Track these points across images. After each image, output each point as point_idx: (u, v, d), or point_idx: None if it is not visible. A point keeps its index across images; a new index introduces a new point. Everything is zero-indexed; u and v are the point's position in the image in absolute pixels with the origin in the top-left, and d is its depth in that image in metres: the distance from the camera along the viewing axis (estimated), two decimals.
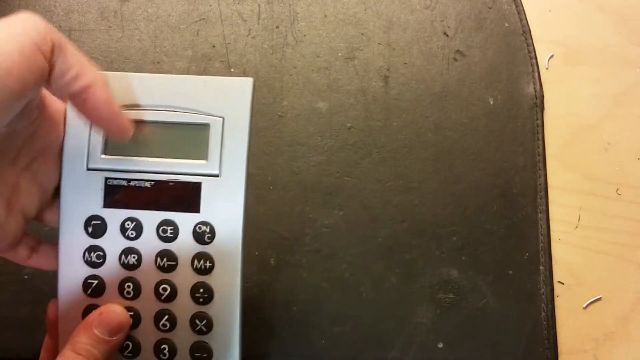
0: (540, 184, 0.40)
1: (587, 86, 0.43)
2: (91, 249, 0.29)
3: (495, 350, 0.37)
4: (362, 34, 0.43)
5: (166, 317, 0.29)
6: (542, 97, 0.42)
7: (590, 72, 0.44)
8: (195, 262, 0.29)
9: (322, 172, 0.39)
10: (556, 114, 0.42)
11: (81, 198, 0.29)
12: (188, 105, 0.29)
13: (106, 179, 0.29)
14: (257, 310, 0.36)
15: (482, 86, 0.42)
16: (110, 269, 0.29)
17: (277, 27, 0.42)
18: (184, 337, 0.29)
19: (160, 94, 0.29)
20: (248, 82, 0.29)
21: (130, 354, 0.29)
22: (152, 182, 0.29)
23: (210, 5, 0.43)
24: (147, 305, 0.29)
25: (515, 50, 0.43)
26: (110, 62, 0.40)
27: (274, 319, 0.36)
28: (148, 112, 0.29)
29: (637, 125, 0.43)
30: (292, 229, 0.38)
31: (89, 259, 0.29)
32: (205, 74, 0.41)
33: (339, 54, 0.42)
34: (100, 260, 0.29)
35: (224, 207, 0.29)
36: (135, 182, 0.29)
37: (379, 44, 0.43)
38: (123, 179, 0.29)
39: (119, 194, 0.29)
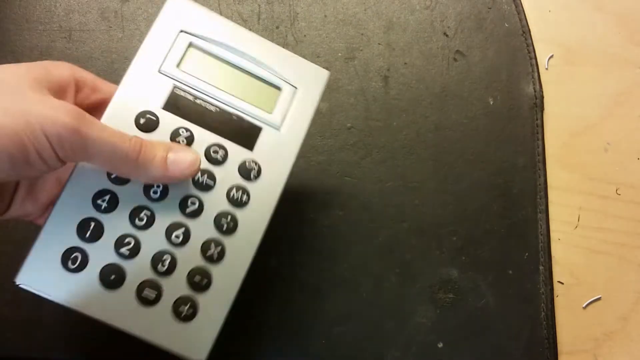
0: (540, 184, 0.40)
1: (587, 86, 0.43)
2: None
3: (495, 350, 0.37)
4: (362, 34, 0.43)
5: (182, 229, 0.28)
6: (542, 97, 0.42)
7: (590, 72, 0.44)
8: (233, 192, 0.29)
9: (322, 172, 0.39)
10: (556, 114, 0.42)
11: (142, 93, 0.29)
12: (270, 65, 0.31)
13: (175, 86, 0.30)
14: (257, 310, 0.36)
15: (482, 86, 0.42)
16: None
17: (277, 27, 0.42)
18: (189, 257, 0.28)
19: (248, 45, 0.31)
20: (325, 72, 0.32)
21: (127, 252, 0.28)
22: (218, 108, 0.30)
23: (210, 6, 0.43)
24: (167, 211, 0.28)
25: (515, 50, 0.43)
26: (111, 62, 0.40)
27: (274, 319, 0.36)
28: (233, 54, 0.31)
29: (637, 125, 0.43)
30: (292, 229, 0.38)
31: None
32: None
33: (339, 54, 0.42)
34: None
35: (276, 158, 0.30)
36: (202, 102, 0.30)
37: (379, 44, 0.43)
38: (190, 94, 0.30)
39: (182, 103, 0.30)
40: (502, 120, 0.41)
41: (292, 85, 0.31)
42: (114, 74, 0.40)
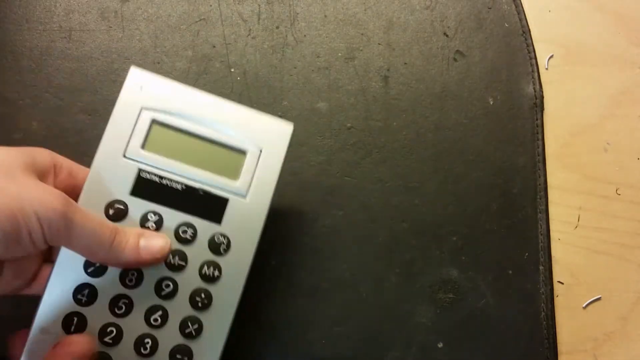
0: (540, 184, 0.40)
1: (587, 86, 0.43)
2: None
3: (495, 350, 0.37)
4: (362, 34, 0.43)
5: (159, 312, 0.29)
6: (542, 97, 0.42)
7: (590, 72, 0.44)
8: (205, 268, 0.30)
9: (322, 172, 0.39)
10: (556, 114, 0.42)
11: (109, 182, 0.30)
12: (232, 129, 0.31)
13: (140, 170, 0.30)
14: (257, 310, 0.36)
15: (482, 86, 0.42)
16: None
17: (277, 27, 0.42)
18: (169, 337, 0.29)
19: (209, 112, 0.31)
20: (289, 127, 0.32)
21: (110, 341, 0.29)
22: (184, 186, 0.30)
23: (211, 6, 0.43)
24: (144, 296, 0.30)
25: (515, 50, 0.43)
26: (111, 62, 0.40)
27: (273, 319, 0.36)
28: (195, 125, 0.31)
29: (637, 125, 0.43)
30: (292, 229, 0.38)
31: None
32: (206, 74, 0.41)
33: (339, 54, 0.42)
34: None
35: (244, 227, 0.31)
36: (167, 182, 0.30)
37: (379, 44, 0.43)
38: (156, 175, 0.30)
39: (148, 187, 0.30)
40: (502, 120, 0.41)
41: (256, 147, 0.31)
42: (114, 74, 0.40)
